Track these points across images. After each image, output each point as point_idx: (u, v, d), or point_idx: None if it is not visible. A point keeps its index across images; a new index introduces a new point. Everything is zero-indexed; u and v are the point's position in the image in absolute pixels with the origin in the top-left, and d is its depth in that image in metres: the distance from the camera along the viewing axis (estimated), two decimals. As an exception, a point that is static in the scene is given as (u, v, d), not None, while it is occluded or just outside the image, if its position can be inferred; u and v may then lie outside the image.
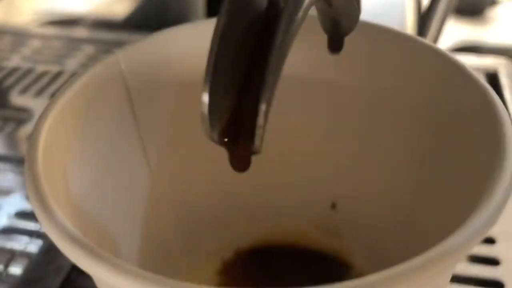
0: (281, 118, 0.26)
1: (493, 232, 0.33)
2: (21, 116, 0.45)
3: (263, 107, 0.15)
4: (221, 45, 0.15)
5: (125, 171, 0.23)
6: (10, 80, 0.49)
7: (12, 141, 0.43)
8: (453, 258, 0.13)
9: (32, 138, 0.17)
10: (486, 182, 0.16)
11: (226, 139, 0.16)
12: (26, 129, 0.43)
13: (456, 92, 0.20)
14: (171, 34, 0.23)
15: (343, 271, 0.28)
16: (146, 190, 0.24)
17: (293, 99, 0.26)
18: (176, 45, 0.23)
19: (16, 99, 0.47)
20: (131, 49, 0.22)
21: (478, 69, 0.47)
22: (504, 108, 0.18)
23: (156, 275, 0.13)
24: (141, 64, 0.22)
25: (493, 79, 0.46)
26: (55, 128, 0.18)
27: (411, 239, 0.24)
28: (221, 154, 0.16)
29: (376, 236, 0.26)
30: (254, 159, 0.26)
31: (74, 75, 0.21)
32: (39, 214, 0.15)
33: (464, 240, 0.14)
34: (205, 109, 0.15)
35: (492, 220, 0.15)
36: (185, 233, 0.27)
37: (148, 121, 0.23)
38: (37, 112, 0.44)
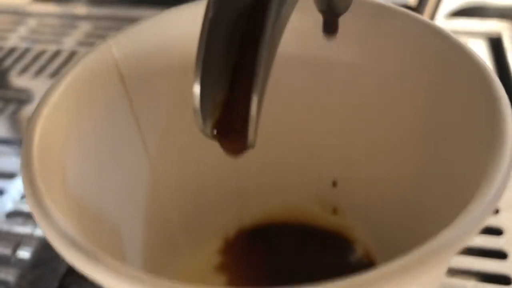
0: (281, 97, 0.26)
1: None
2: (21, 97, 0.45)
3: (255, 98, 0.15)
4: (210, 35, 0.15)
5: (124, 159, 0.23)
6: (9, 61, 0.48)
7: (14, 123, 0.43)
8: (451, 250, 0.13)
9: (27, 136, 0.17)
10: (485, 163, 0.16)
11: (219, 133, 0.15)
12: (27, 111, 0.43)
13: (454, 70, 0.20)
14: (163, 19, 0.22)
15: (346, 247, 0.29)
16: (146, 176, 0.24)
17: (293, 78, 0.26)
18: (168, 30, 0.23)
19: (16, 80, 0.46)
20: (123, 36, 0.22)
21: (480, 33, 0.46)
22: (501, 85, 0.18)
23: (155, 278, 0.13)
24: (134, 50, 0.22)
25: (496, 43, 0.45)
26: (50, 123, 0.18)
27: (412, 215, 0.24)
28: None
29: (377, 213, 0.26)
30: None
31: (67, 69, 0.20)
32: (37, 218, 0.15)
33: (461, 233, 0.14)
34: (197, 102, 0.15)
35: (490, 211, 0.14)
36: (188, 215, 0.28)
37: (145, 108, 0.23)
38: (37, 93, 0.44)
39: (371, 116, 0.25)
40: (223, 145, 0.16)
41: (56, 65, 0.47)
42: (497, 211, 0.33)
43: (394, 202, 0.25)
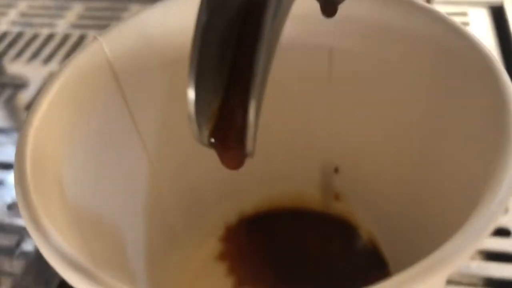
0: (281, 84, 0.26)
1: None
2: (16, 83, 0.44)
3: (253, 104, 0.14)
4: (204, 36, 0.14)
5: (122, 157, 0.23)
6: (1, 46, 0.47)
7: (9, 111, 0.42)
8: (448, 268, 0.13)
9: (19, 148, 0.17)
10: (491, 159, 0.16)
11: (216, 141, 0.15)
12: (23, 98, 0.42)
13: (457, 58, 0.19)
14: (153, 13, 0.22)
15: (349, 232, 0.29)
16: (145, 174, 0.24)
17: (293, 65, 0.25)
18: (159, 24, 0.22)
19: (10, 66, 0.46)
20: (114, 33, 0.21)
21: (482, 2, 0.45)
22: (506, 73, 0.18)
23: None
24: (125, 47, 0.21)
25: (498, 12, 0.44)
26: (42, 132, 0.18)
27: (413, 202, 0.24)
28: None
29: (380, 199, 0.26)
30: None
31: (59, 67, 0.20)
32: (34, 238, 0.15)
33: (470, 237, 0.13)
34: (192, 109, 0.14)
35: (500, 211, 0.14)
36: (188, 206, 0.27)
37: (140, 104, 0.23)
38: (32, 78, 0.44)
39: (373, 103, 0.24)
40: (220, 154, 0.15)
41: (50, 49, 0.46)
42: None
43: (395, 188, 0.25)
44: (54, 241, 0.14)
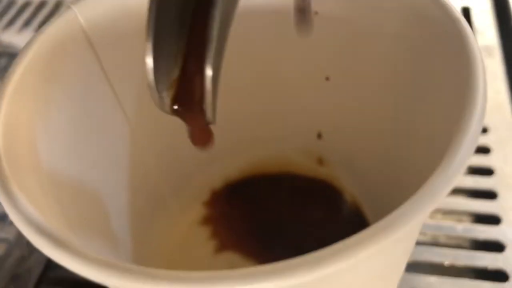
0: (261, 49, 0.25)
1: (487, 141, 0.33)
2: (8, 51, 0.44)
3: (208, 72, 0.14)
4: (160, 3, 0.14)
5: (101, 125, 0.23)
6: (-8, 15, 0.47)
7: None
8: (416, 220, 0.13)
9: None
10: (459, 116, 0.16)
11: (177, 109, 0.15)
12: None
13: (433, 25, 0.19)
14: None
15: (333, 195, 0.29)
16: (126, 140, 0.24)
17: (273, 31, 0.25)
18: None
19: (1, 34, 0.46)
20: (88, 1, 0.21)
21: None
22: (475, 41, 0.18)
23: (118, 262, 0.13)
24: (100, 15, 0.21)
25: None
26: (16, 100, 0.18)
27: (394, 164, 0.24)
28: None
29: (361, 163, 0.26)
30: (241, 90, 0.26)
31: (31, 37, 0.20)
32: (5, 206, 0.15)
33: (430, 196, 0.13)
34: (151, 77, 0.14)
35: (463, 164, 0.14)
36: (172, 171, 0.28)
37: (118, 71, 0.23)
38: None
39: (353, 67, 0.24)
40: (183, 120, 0.15)
41: (42, 17, 0.46)
42: (488, 151, 0.33)
43: (377, 151, 0.25)
44: (23, 208, 0.15)
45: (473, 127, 0.15)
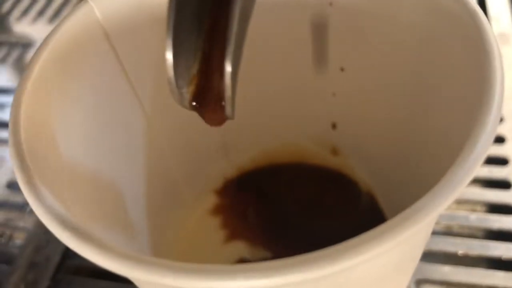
0: (278, 41, 0.26)
1: (503, 130, 0.33)
2: (22, 42, 0.45)
3: (228, 67, 0.14)
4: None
5: (118, 117, 0.23)
6: (6, 5, 0.47)
7: (17, 71, 0.43)
8: (430, 216, 0.13)
9: (13, 110, 0.17)
10: (475, 111, 0.16)
11: (196, 104, 0.15)
12: (29, 58, 0.43)
13: (449, 15, 0.19)
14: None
15: (347, 185, 0.29)
16: (142, 131, 0.25)
17: (286, 22, 0.25)
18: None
19: (15, 25, 0.46)
20: (104, -5, 0.21)
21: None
22: (493, 34, 0.17)
23: (135, 254, 0.13)
24: (116, 8, 0.21)
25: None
26: (36, 95, 0.18)
27: (410, 155, 0.24)
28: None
29: (377, 153, 0.26)
30: (256, 81, 0.26)
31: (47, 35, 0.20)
32: (29, 201, 0.15)
33: (445, 194, 0.13)
34: (171, 72, 0.14)
35: (481, 158, 0.14)
36: (187, 162, 0.28)
37: (135, 64, 0.23)
38: (38, 38, 0.44)
39: (368, 57, 0.24)
40: (202, 116, 0.16)
41: (55, 7, 0.46)
42: (503, 140, 0.33)
43: (392, 142, 0.25)
44: (47, 201, 0.15)
45: (491, 119, 0.15)
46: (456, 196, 0.14)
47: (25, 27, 0.45)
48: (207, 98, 0.15)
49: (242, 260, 0.27)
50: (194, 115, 0.27)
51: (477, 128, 0.15)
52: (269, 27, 0.24)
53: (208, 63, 0.15)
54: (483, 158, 0.14)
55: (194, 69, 0.15)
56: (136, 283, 0.18)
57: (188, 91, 0.15)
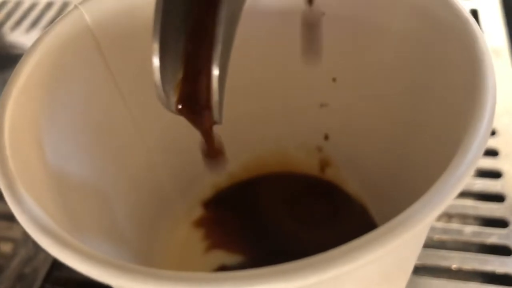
0: (270, 51, 0.25)
1: (496, 144, 0.33)
2: (16, 52, 0.44)
3: (215, 72, 0.14)
4: (166, 4, 0.14)
5: (106, 124, 0.23)
6: (0, 15, 0.47)
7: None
8: (422, 223, 0.13)
9: (-3, 117, 0.17)
10: (467, 120, 0.16)
11: (183, 108, 0.15)
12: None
13: (440, 23, 0.19)
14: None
15: (340, 198, 0.29)
16: (131, 137, 0.24)
17: (280, 31, 0.25)
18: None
19: (9, 35, 0.46)
20: (94, 1, 0.21)
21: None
22: (485, 40, 0.17)
23: (116, 261, 0.13)
24: (106, 14, 0.21)
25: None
26: (22, 99, 0.18)
27: (401, 167, 0.24)
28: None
29: (369, 165, 0.26)
30: (248, 90, 0.26)
31: (38, 37, 0.20)
32: (8, 201, 0.15)
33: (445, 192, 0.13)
34: (157, 76, 0.14)
35: (473, 167, 0.14)
36: (177, 168, 0.28)
37: (123, 70, 0.23)
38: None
39: (360, 67, 0.24)
40: (189, 120, 0.15)
41: (49, 18, 0.46)
42: (496, 154, 0.32)
43: (383, 152, 0.25)
44: (29, 207, 0.15)
45: (483, 129, 0.15)
46: (446, 205, 0.13)
47: (18, 37, 0.45)
48: (193, 102, 0.15)
49: (222, 268, 0.26)
50: (186, 124, 0.27)
51: (468, 136, 0.15)
52: (262, 35, 0.24)
53: (194, 66, 0.14)
54: (473, 168, 0.14)
55: (181, 73, 0.15)
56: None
57: (174, 95, 0.15)
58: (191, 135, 0.26)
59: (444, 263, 0.27)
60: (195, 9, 0.14)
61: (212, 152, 0.16)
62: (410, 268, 0.20)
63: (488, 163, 0.32)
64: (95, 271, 0.13)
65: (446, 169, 0.14)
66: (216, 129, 0.27)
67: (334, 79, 0.25)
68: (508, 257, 0.27)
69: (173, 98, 0.15)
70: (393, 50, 0.22)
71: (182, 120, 0.26)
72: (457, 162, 0.14)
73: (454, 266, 0.27)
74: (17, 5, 0.48)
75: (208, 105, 0.14)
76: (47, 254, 0.30)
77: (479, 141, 0.14)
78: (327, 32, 0.24)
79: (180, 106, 0.15)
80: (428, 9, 0.19)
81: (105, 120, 0.23)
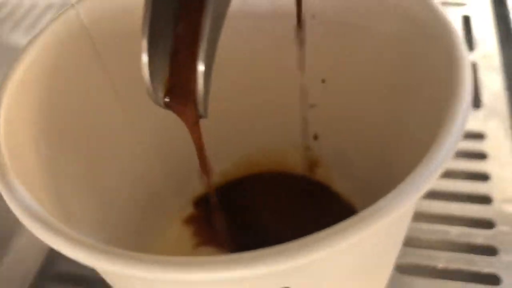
0: (260, 52, 0.26)
1: (484, 147, 0.33)
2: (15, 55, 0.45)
3: (201, 67, 0.14)
4: (155, 1, 0.14)
5: (102, 124, 0.23)
6: None
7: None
8: (399, 210, 0.13)
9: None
10: (444, 120, 0.16)
11: (171, 103, 0.15)
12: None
13: (422, 26, 0.20)
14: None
15: (328, 197, 0.29)
16: (126, 138, 0.25)
17: (270, 34, 0.25)
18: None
19: (8, 37, 0.46)
20: (90, 0, 0.22)
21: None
22: (464, 45, 0.18)
23: (103, 246, 0.13)
24: (102, 14, 0.22)
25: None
26: (17, 96, 0.19)
27: (390, 163, 0.24)
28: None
29: (356, 163, 0.27)
30: (237, 91, 0.27)
31: (33, 36, 0.20)
32: (1, 189, 0.15)
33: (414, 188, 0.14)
34: (146, 71, 0.15)
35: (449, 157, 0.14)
36: (172, 167, 0.28)
37: (119, 69, 0.23)
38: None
39: (348, 69, 0.24)
40: (175, 112, 0.16)
41: (48, 20, 0.47)
42: (484, 156, 0.33)
43: (371, 152, 0.25)
44: (22, 197, 0.15)
45: (456, 124, 0.15)
46: (425, 190, 0.14)
47: (18, 39, 0.46)
48: (179, 95, 0.15)
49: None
50: (179, 123, 0.27)
51: (443, 130, 0.15)
52: (252, 37, 0.25)
53: (181, 62, 0.15)
54: (447, 160, 0.15)
55: (168, 64, 0.15)
56: (110, 282, 0.18)
57: (162, 90, 0.15)
58: (184, 134, 0.27)
59: (430, 262, 0.28)
60: (183, 7, 0.15)
61: (200, 154, 0.17)
62: (391, 265, 0.21)
63: (476, 166, 0.32)
64: (82, 254, 0.13)
65: (425, 156, 0.15)
66: (207, 128, 0.27)
67: (323, 80, 0.26)
68: (494, 257, 0.28)
69: (162, 94, 0.15)
70: (378, 51, 0.22)
71: (175, 119, 0.26)
72: (430, 155, 0.15)
73: (440, 265, 0.28)
74: (16, 7, 0.48)
75: (193, 99, 0.15)
76: (39, 250, 0.30)
77: (452, 133, 0.15)
78: (317, 36, 0.25)
79: (167, 99, 0.16)
80: (410, 12, 0.20)
81: (100, 117, 0.23)
